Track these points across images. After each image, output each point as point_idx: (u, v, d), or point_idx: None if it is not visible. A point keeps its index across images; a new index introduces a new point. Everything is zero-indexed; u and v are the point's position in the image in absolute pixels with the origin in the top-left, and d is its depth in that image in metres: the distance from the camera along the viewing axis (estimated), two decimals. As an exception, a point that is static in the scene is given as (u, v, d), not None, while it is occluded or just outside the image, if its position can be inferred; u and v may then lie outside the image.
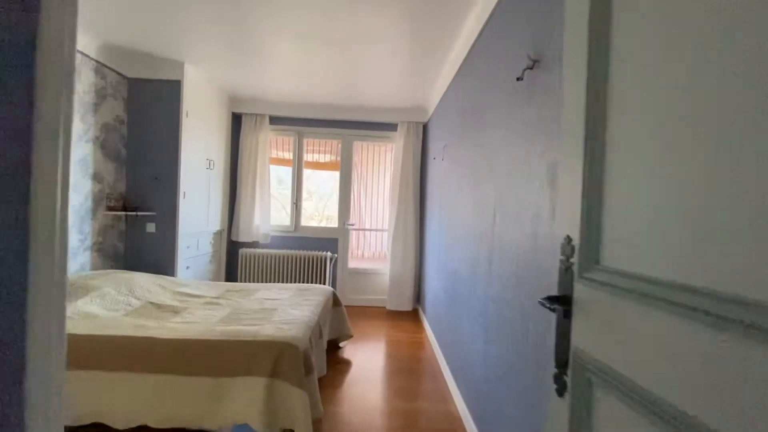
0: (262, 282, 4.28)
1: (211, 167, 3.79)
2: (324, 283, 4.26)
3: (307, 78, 3.44)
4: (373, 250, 5.13)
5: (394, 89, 3.62)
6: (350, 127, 4.45)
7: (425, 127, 4.36)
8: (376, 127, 4.45)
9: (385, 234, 4.79)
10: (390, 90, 3.66)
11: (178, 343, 1.82)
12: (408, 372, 2.72)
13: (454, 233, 2.58)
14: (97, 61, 2.86)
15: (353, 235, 4.76)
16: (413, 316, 4.18)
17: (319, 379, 2.38)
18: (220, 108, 3.94)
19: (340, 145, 4.52)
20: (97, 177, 2.92)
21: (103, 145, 2.97)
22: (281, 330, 1.97)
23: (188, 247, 3.50)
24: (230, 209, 4.35)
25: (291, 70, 3.25)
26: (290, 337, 1.90)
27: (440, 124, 3.41)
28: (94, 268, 2.93)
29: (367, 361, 2.89)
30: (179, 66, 3.18)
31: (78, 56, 2.67)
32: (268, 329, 1.98)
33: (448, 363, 2.62)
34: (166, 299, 2.52)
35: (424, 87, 3.50)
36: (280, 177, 4.83)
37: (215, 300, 2.60)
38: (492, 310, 1.72)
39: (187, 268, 3.49)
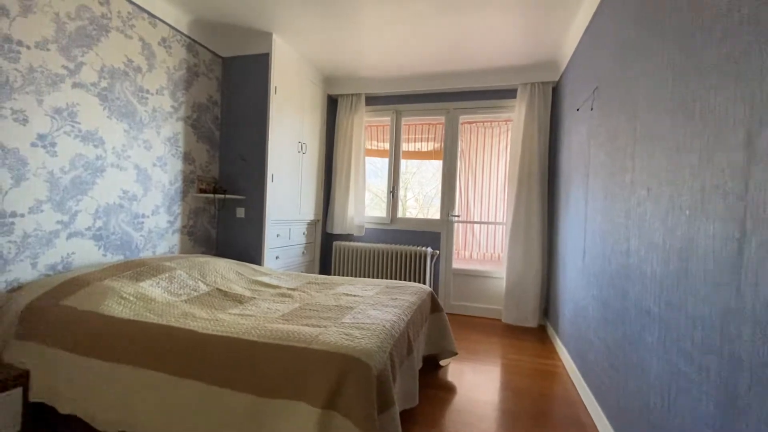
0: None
1: (304, 150, 3.50)
2: (423, 284, 3.59)
3: (405, 40, 2.86)
4: (484, 251, 4.26)
5: (514, 39, 2.78)
6: (456, 98, 3.73)
7: (555, 89, 3.37)
8: (489, 96, 3.63)
9: (499, 230, 3.90)
10: (508, 41, 2.83)
11: (217, 340, 1.37)
12: (539, 417, 1.85)
13: (622, 208, 1.64)
14: (189, 37, 2.77)
15: (460, 233, 4.00)
16: (539, 334, 3.19)
17: (407, 412, 1.71)
18: (314, 87, 3.64)
19: (443, 130, 3.81)
20: (188, 158, 2.82)
21: (194, 125, 2.87)
22: (349, 337, 1.37)
23: (278, 235, 3.23)
24: (326, 199, 4.04)
25: (387, 28, 2.71)
26: (360, 349, 1.28)
27: (583, 74, 2.45)
28: (184, 251, 2.82)
29: (477, 390, 2.11)
30: (267, 38, 2.93)
31: (167, 29, 2.58)
32: (331, 334, 1.39)
33: (608, 415, 1.68)
34: (238, 287, 2.18)
35: (556, 27, 2.58)
36: (377, 170, 4.36)
37: (289, 292, 2.16)
38: (754, 338, 0.81)
39: (277, 258, 3.22)
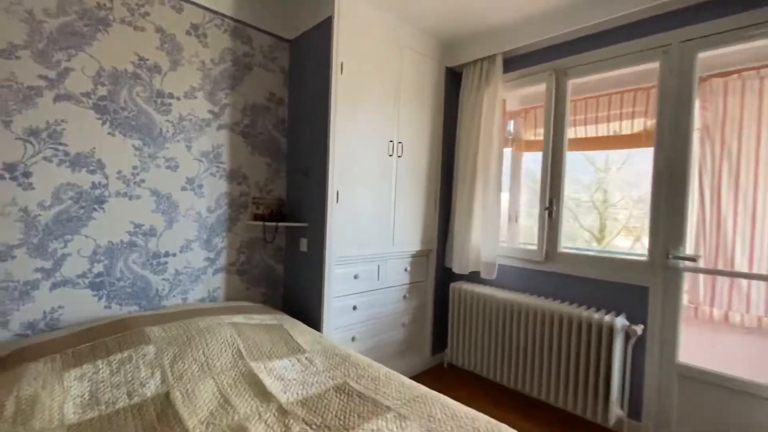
0: (471, 347, 2.45)
1: (399, 153, 2.41)
2: (608, 391, 1.89)
3: None
4: (756, 311, 2.11)
5: None
6: (684, 20, 1.84)
7: None
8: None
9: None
10: None
11: None
12: None
13: None
14: (234, 20, 2.13)
15: (701, 278, 2.05)
16: None
17: None
18: (418, 59, 2.49)
19: (655, 92, 1.96)
20: (236, 175, 2.19)
21: (246, 133, 2.22)
22: None
23: (356, 276, 2.26)
24: (443, 221, 2.80)
25: None
26: None
27: None
28: (233, 296, 2.19)
29: None
30: (328, -7, 2.01)
31: (199, 13, 1.99)
32: None
33: None
34: (201, 395, 1.30)
35: None
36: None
37: (268, 426, 1.14)
38: None
39: (354, 308, 2.25)
